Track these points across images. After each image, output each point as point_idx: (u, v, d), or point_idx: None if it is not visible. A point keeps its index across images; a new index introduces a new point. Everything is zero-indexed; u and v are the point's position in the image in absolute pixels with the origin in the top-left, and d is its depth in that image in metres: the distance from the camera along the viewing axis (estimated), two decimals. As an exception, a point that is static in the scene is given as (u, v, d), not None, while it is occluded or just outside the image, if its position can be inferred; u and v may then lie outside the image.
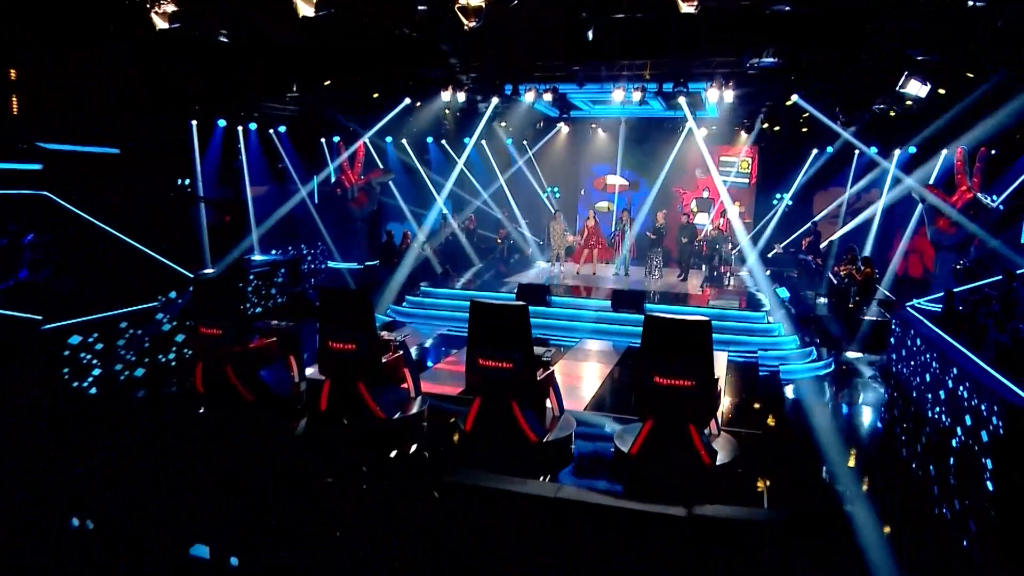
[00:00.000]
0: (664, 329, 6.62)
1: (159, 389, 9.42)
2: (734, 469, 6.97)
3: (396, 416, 7.88)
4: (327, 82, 14.39)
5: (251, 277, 14.00)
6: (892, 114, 13.73)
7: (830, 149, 18.30)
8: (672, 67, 11.93)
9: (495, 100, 14.97)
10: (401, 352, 8.24)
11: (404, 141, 20.48)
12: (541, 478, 6.98)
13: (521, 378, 7.15)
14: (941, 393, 8.57)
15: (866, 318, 12.78)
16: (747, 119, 16.30)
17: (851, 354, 12.41)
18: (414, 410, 8.07)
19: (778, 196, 20.21)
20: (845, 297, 13.10)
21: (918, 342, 9.85)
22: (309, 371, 9.12)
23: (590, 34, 10.33)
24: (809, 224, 18.45)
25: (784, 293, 14.30)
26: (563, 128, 21.52)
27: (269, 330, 8.86)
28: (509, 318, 7.14)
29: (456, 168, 20.27)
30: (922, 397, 9.39)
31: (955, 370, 8.16)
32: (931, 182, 14.96)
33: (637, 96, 12.80)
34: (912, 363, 10.04)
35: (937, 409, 8.71)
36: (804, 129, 16.97)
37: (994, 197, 13.71)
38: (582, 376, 10.81)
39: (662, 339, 6.63)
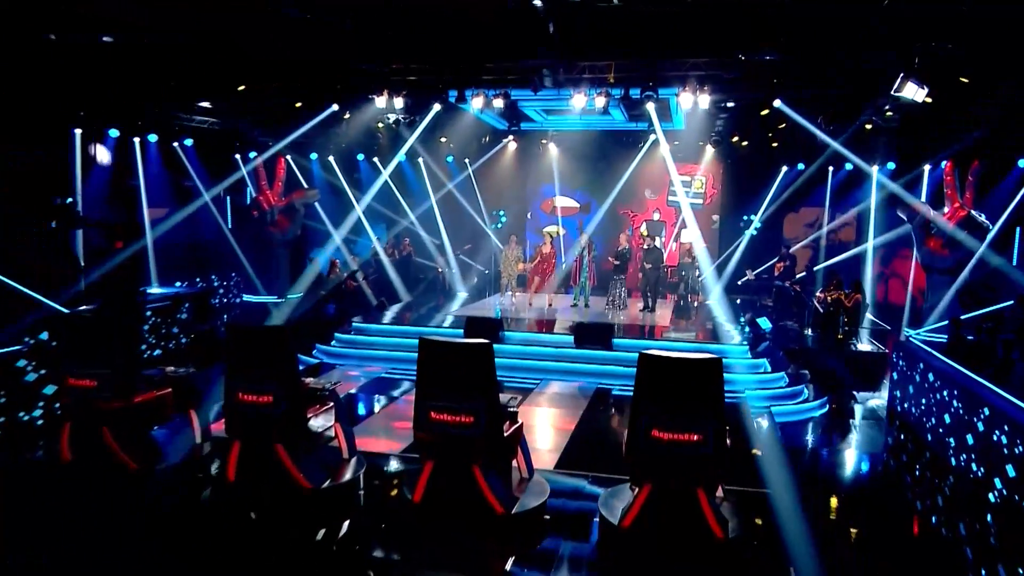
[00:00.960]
0: (665, 371, 5.73)
1: (16, 457, 7.93)
2: (749, 543, 6.07)
3: (325, 484, 6.73)
4: (241, 87, 13.24)
5: (148, 314, 12.52)
6: (868, 127, 13.42)
7: (801, 166, 17.97)
8: (642, 68, 11.20)
9: (436, 107, 14.02)
10: (331, 403, 7.12)
11: (331, 158, 19.32)
12: (510, 560, 5.93)
13: (484, 435, 6.10)
14: (968, 437, 7.87)
15: (859, 349, 12.19)
16: (714, 132, 15.80)
17: (846, 392, 11.76)
18: (347, 476, 6.95)
19: (745, 218, 19.77)
20: (833, 326, 12.51)
21: (930, 377, 9.19)
22: (215, 429, 7.86)
23: (551, 26, 9.55)
24: (784, 250, 17.94)
25: (766, 324, 13.65)
26: (511, 143, 20.72)
27: (163, 379, 7.67)
28: (469, 360, 6.11)
29: (379, 180, 18.98)
30: (941, 442, 8.70)
31: (986, 411, 7.47)
32: (923, 199, 14.67)
33: (600, 102, 12.02)
34: (923, 402, 9.38)
35: (963, 456, 8.00)
36: (775, 144, 16.55)
37: (984, 215, 13.44)
38: (544, 426, 9.77)
39: (662, 384, 5.73)
